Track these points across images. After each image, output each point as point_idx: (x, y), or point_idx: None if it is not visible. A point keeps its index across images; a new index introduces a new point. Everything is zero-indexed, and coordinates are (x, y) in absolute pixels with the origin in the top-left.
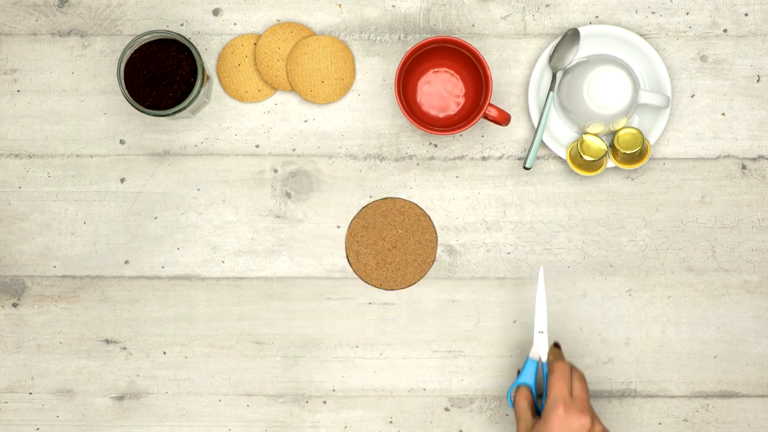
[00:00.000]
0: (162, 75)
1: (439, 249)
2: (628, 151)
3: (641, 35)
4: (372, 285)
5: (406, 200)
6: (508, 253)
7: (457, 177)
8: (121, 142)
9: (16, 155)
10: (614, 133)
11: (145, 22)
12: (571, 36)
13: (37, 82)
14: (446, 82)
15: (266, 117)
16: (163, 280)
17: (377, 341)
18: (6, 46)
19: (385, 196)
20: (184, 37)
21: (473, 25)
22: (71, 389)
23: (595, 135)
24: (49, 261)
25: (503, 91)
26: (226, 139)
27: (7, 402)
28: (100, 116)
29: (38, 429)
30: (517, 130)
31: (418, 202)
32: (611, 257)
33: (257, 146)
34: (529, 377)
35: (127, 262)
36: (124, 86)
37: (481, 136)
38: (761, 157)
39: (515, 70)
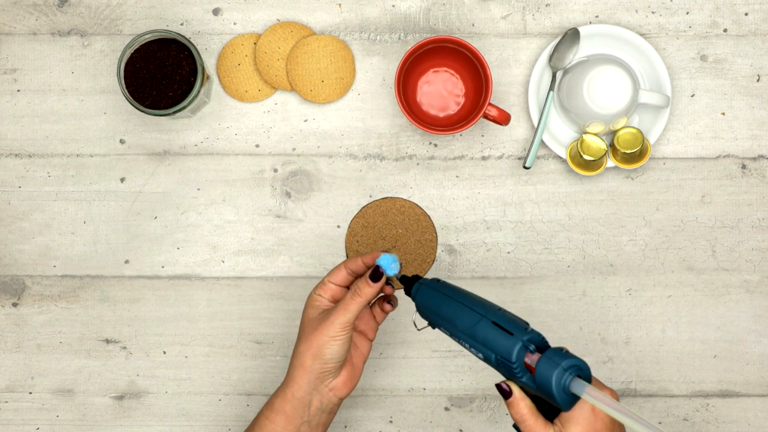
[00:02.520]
0: (162, 75)
1: (439, 249)
2: (628, 151)
3: (641, 35)
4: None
5: (406, 200)
6: (508, 252)
7: (457, 177)
8: (121, 141)
9: (16, 155)
10: (614, 132)
11: (145, 21)
12: (571, 36)
13: (37, 81)
14: (446, 81)
15: (266, 117)
16: (163, 280)
17: (377, 341)
18: (6, 46)
19: (385, 195)
20: (184, 37)
21: (473, 25)
22: (71, 389)
23: (595, 135)
24: (49, 261)
25: (503, 91)
26: (226, 138)
27: (7, 402)
28: (100, 116)
29: (38, 429)
30: (517, 130)
31: (418, 202)
32: (611, 257)
33: (257, 146)
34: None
35: (127, 261)
36: (124, 86)
37: (481, 135)
38: (761, 156)
39: (515, 69)
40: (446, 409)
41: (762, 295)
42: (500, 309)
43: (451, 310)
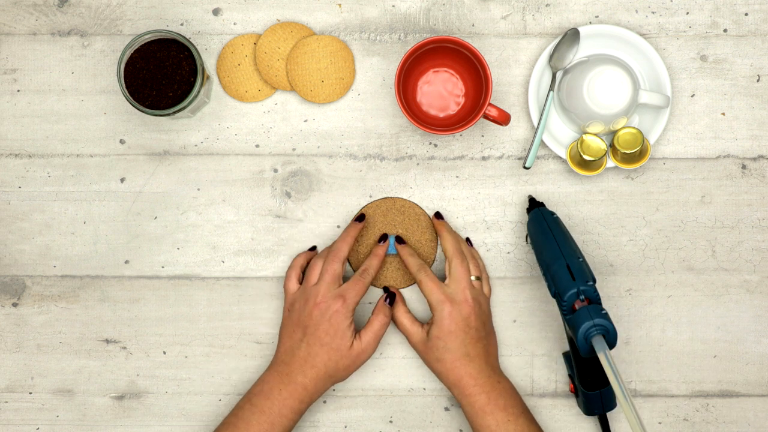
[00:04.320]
0: (162, 75)
1: (439, 249)
2: (628, 151)
3: (641, 35)
4: (372, 285)
5: (406, 200)
6: (508, 252)
7: (457, 177)
8: (121, 141)
9: (16, 155)
10: (614, 132)
11: (145, 21)
12: (571, 36)
13: (37, 82)
14: (446, 81)
15: (266, 117)
16: (163, 280)
17: None
18: (6, 46)
19: (385, 196)
20: (184, 37)
21: (473, 25)
22: (71, 389)
23: (595, 135)
24: (49, 261)
25: (503, 91)
26: (226, 138)
27: (7, 402)
28: (100, 116)
29: (38, 429)
30: (517, 130)
31: (418, 202)
32: (611, 257)
33: (257, 146)
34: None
35: (127, 262)
36: (124, 86)
37: (481, 135)
38: (761, 156)
39: (515, 70)
40: (446, 409)
41: (762, 295)
42: (580, 258)
43: (545, 240)
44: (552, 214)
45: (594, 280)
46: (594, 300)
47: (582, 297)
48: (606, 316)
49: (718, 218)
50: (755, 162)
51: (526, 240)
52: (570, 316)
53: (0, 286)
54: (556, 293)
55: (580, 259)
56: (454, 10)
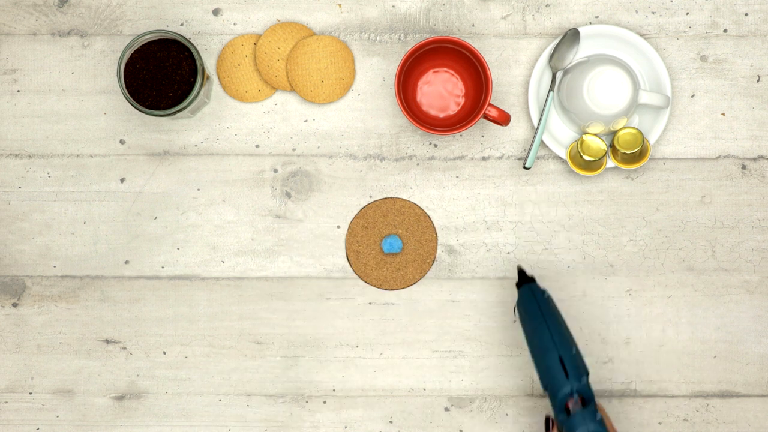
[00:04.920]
0: (162, 75)
1: (439, 249)
2: (628, 151)
3: (641, 35)
4: (372, 285)
5: (406, 200)
6: (508, 253)
7: (457, 177)
8: (121, 142)
9: (16, 155)
10: (614, 133)
11: (145, 22)
12: (571, 36)
13: (37, 82)
14: (446, 82)
15: (266, 117)
16: (163, 280)
17: (377, 341)
18: (6, 46)
19: (385, 196)
20: (184, 37)
21: (473, 25)
22: (71, 389)
23: (595, 135)
24: (49, 261)
25: (503, 91)
26: (226, 139)
27: (7, 402)
28: (100, 116)
29: (38, 429)
30: (517, 130)
31: (418, 202)
32: (611, 257)
33: (257, 146)
34: None
35: (127, 262)
36: (124, 86)
37: (481, 136)
38: (761, 157)
39: (515, 70)
40: (446, 409)
41: (762, 295)
42: (573, 347)
43: (536, 326)
44: (543, 292)
45: (587, 374)
46: (588, 398)
47: (576, 397)
48: (601, 422)
49: (718, 218)
50: (755, 162)
51: (514, 311)
52: (563, 417)
53: (0, 286)
54: (548, 388)
55: (574, 351)
56: (454, 10)
